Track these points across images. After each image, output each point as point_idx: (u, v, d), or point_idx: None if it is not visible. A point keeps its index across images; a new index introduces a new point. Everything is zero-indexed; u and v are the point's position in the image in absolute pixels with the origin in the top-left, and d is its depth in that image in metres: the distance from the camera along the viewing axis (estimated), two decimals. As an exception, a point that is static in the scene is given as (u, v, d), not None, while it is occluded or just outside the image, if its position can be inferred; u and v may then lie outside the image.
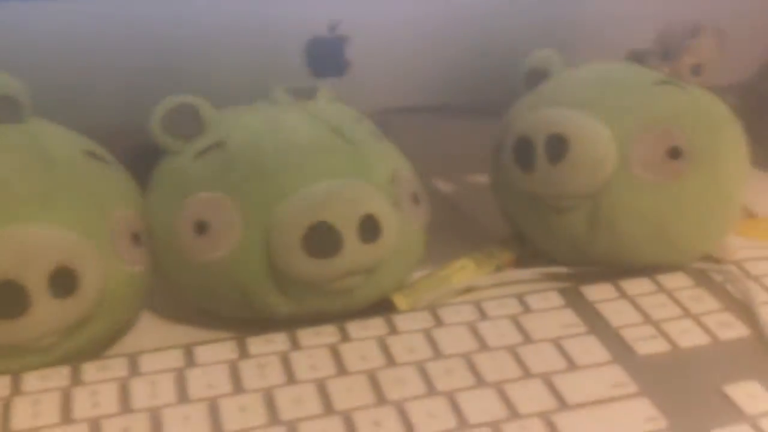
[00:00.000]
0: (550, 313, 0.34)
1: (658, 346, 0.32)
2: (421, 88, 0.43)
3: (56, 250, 0.27)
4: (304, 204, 0.30)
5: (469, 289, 0.37)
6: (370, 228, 0.31)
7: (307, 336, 0.32)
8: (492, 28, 0.44)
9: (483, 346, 0.31)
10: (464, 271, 0.37)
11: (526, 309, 0.34)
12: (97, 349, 0.32)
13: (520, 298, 0.35)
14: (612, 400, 0.29)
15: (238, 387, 0.29)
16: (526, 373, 0.30)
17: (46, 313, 0.27)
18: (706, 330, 0.33)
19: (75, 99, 0.36)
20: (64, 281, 0.27)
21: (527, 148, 0.35)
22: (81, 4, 0.35)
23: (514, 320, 0.33)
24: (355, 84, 0.41)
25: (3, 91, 0.29)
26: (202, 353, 0.30)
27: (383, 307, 0.34)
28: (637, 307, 0.34)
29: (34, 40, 0.35)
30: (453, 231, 0.40)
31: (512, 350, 0.31)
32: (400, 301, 0.35)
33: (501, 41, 0.44)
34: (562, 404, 0.28)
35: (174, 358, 0.30)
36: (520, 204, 0.38)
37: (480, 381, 0.29)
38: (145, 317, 0.35)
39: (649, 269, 0.37)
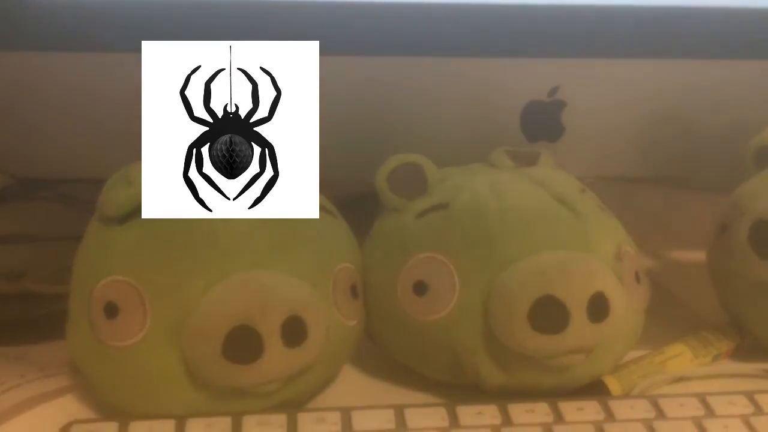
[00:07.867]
0: (787, 418, 0.30)
1: None
2: (633, 158, 0.42)
3: (292, 299, 0.28)
4: (533, 275, 0.29)
5: (681, 378, 0.35)
6: (598, 306, 0.29)
7: (519, 412, 0.30)
8: (713, 100, 0.41)
9: (711, 446, 0.29)
10: (680, 358, 0.35)
11: (759, 410, 0.31)
12: (307, 399, 0.32)
13: (751, 396, 0.32)
14: None
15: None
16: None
17: (277, 361, 0.28)
18: None
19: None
20: (294, 330, 0.28)
21: None
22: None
23: (746, 421, 0.30)
24: (568, 150, 0.39)
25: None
26: (414, 416, 0.30)
27: (593, 387, 0.32)
28: None
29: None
30: (661, 311, 0.37)
31: (746, 455, 0.28)
32: (612, 383, 0.33)
33: (723, 115, 0.41)
34: None
35: (386, 419, 0.30)
36: (748, 292, 0.35)
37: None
38: (345, 369, 0.35)
39: None
